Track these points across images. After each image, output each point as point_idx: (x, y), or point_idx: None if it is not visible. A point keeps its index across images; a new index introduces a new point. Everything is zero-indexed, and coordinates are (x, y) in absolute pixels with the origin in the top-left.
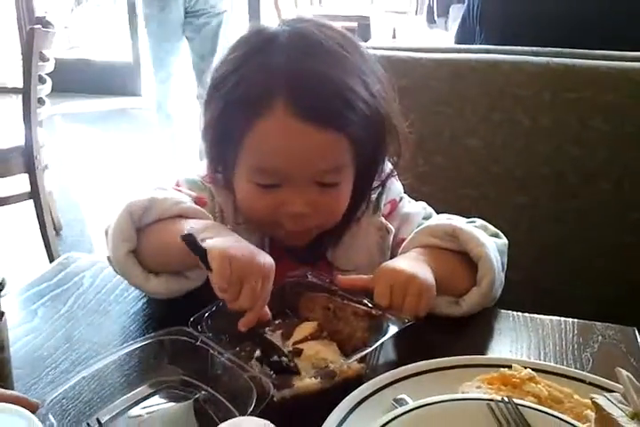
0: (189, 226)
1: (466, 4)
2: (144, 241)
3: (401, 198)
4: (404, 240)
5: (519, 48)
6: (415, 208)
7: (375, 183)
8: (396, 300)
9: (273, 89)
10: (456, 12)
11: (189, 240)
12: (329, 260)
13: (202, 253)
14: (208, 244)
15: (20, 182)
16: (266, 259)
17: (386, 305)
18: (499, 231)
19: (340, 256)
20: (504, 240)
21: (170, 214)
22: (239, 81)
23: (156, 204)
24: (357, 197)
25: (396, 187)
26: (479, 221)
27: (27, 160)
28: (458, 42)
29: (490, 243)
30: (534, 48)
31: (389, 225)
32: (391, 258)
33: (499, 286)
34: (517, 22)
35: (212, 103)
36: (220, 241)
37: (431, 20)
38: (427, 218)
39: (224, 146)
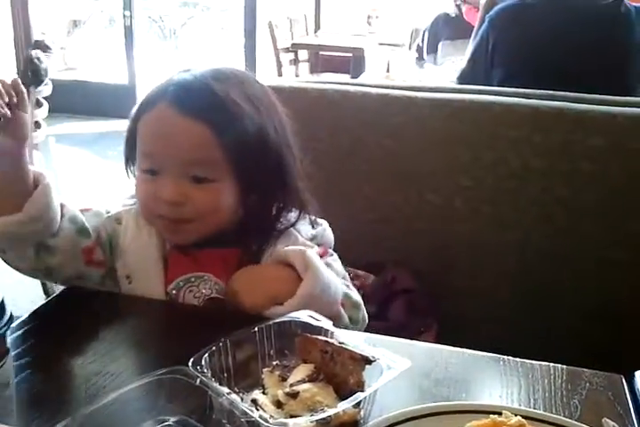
0: None
1: (475, 44)
2: None
3: (332, 254)
4: None
5: (511, 90)
6: (339, 267)
7: (283, 214)
8: None
9: (163, 94)
10: (446, 49)
11: None
12: None
13: None
14: None
15: None
16: None
17: None
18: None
19: None
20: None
21: None
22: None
23: None
24: (251, 211)
25: (329, 235)
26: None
27: None
28: (463, 82)
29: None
30: (527, 90)
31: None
32: None
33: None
34: (540, 67)
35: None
36: None
37: (420, 59)
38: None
39: (128, 148)
